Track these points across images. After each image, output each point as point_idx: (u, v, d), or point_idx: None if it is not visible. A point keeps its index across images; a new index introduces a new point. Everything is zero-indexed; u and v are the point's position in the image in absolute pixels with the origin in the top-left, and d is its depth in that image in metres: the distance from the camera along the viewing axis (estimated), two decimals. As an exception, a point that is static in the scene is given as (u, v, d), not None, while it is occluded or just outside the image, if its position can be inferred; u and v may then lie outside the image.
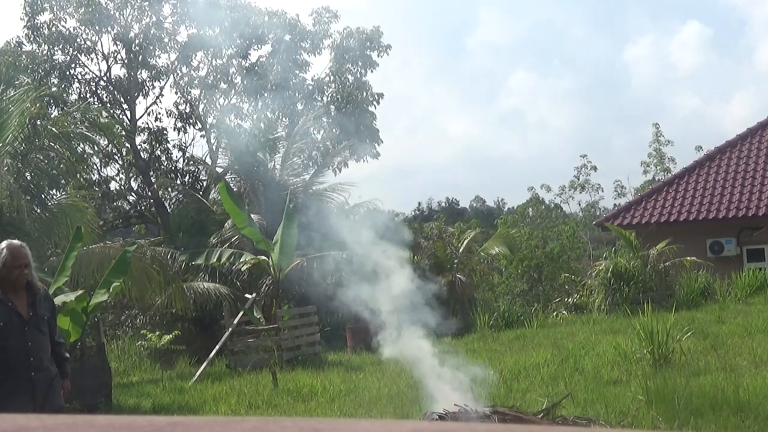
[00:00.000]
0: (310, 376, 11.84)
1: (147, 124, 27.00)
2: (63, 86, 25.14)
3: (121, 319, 19.31)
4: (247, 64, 27.16)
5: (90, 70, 26.67)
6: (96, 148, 19.78)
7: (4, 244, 5.63)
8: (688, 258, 18.76)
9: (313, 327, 15.47)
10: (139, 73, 26.54)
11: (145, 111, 26.91)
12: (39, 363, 5.58)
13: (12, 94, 12.91)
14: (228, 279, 18.56)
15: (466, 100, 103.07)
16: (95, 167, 24.71)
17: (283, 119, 26.76)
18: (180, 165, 27.07)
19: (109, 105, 26.40)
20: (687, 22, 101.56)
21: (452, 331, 13.79)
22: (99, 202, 23.08)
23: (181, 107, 26.84)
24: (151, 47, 26.26)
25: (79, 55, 26.31)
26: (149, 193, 26.44)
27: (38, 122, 14.95)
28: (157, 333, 14.48)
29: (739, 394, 7.78)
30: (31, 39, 25.95)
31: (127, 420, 0.95)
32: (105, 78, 26.69)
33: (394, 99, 67.92)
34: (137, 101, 26.82)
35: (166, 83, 26.97)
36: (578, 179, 38.26)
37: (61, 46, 25.95)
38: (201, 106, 26.83)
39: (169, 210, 25.30)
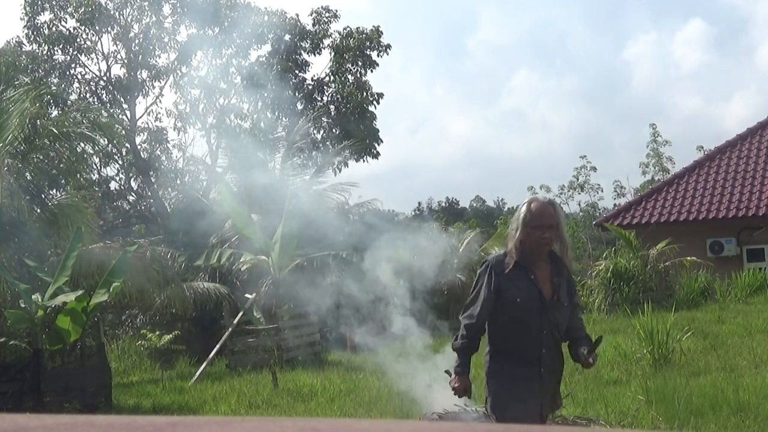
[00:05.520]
0: (310, 376, 11.84)
1: (147, 124, 27.03)
2: (63, 86, 25.14)
3: (121, 319, 19.30)
4: (247, 64, 27.17)
5: (90, 70, 26.70)
6: (96, 148, 19.79)
7: (528, 199, 4.51)
8: (688, 258, 18.76)
9: (313, 327, 15.47)
10: (139, 73, 26.54)
11: (145, 111, 26.93)
12: (549, 358, 4.49)
13: (12, 94, 12.89)
14: (228, 279, 18.56)
15: (465, 100, 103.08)
16: (95, 167, 24.73)
17: (283, 119, 26.76)
18: (180, 165, 27.09)
19: (109, 105, 26.40)
20: (689, 20, 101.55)
21: (452, 331, 13.78)
22: (99, 202, 23.08)
23: (181, 107, 26.86)
24: (151, 47, 26.26)
25: (79, 55, 26.32)
26: (149, 193, 26.43)
27: (38, 122, 14.95)
28: (157, 333, 14.47)
29: (739, 394, 7.78)
30: (31, 39, 25.96)
31: (127, 420, 0.95)
32: (105, 78, 26.69)
33: (394, 99, 67.96)
34: (137, 101, 26.83)
35: (166, 83, 26.98)
36: (577, 179, 38.29)
37: (61, 46, 25.95)
38: (201, 106, 26.84)
39: (169, 210, 25.29)
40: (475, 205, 68.27)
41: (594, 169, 38.49)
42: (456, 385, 4.59)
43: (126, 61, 26.45)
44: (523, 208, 4.43)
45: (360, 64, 27.84)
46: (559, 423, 6.26)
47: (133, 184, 27.21)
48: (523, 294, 4.39)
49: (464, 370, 4.60)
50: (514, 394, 4.43)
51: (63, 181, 16.26)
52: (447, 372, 4.68)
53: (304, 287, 14.83)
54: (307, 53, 28.03)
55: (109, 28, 26.12)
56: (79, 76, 26.50)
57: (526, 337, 4.41)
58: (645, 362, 10.01)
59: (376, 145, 27.84)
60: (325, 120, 27.04)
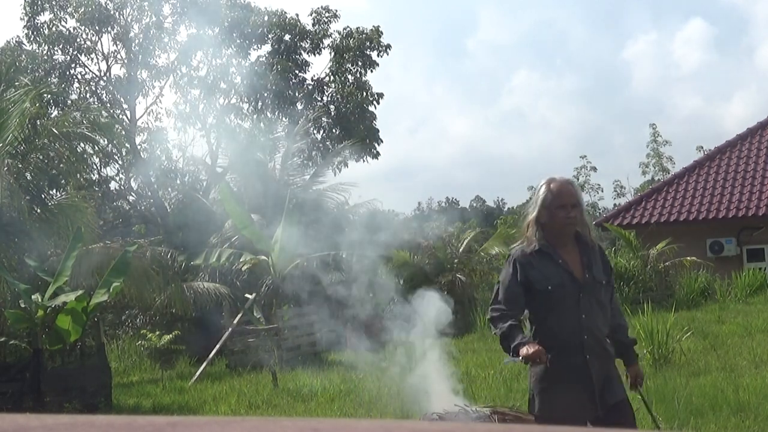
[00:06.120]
0: (310, 376, 11.84)
1: (147, 124, 27.02)
2: (63, 86, 25.13)
3: (121, 319, 19.30)
4: (247, 64, 27.17)
5: (90, 70, 26.68)
6: (96, 148, 19.78)
7: (545, 180, 4.25)
8: (688, 258, 18.77)
9: (313, 327, 15.47)
10: (139, 73, 26.53)
11: (145, 111, 26.93)
12: (594, 343, 4.15)
13: (12, 94, 12.89)
14: (228, 279, 18.56)
15: (465, 100, 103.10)
16: (95, 167, 24.72)
17: (283, 119, 26.76)
18: (180, 165, 27.08)
19: (109, 105, 26.39)
20: (689, 20, 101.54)
21: (452, 331, 13.78)
22: (99, 202, 23.07)
23: (181, 107, 26.84)
24: (151, 47, 26.26)
25: (79, 55, 26.31)
26: (149, 193, 26.43)
27: (38, 122, 14.95)
28: (157, 333, 14.48)
29: (739, 394, 7.78)
30: (31, 39, 25.96)
31: (127, 420, 0.95)
32: (105, 78, 26.68)
33: (394, 99, 67.97)
34: (137, 101, 26.82)
35: (166, 83, 26.97)
36: (578, 179, 38.31)
37: (61, 46, 25.95)
38: (201, 106, 26.83)
39: (169, 210, 25.29)
40: (475, 205, 68.30)
41: (594, 169, 38.58)
42: (530, 351, 3.95)
43: (126, 61, 26.45)
44: (543, 189, 4.17)
45: (360, 64, 27.83)
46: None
47: (133, 184, 27.19)
48: (554, 280, 4.11)
49: (527, 339, 4.06)
50: (560, 394, 4.11)
51: (63, 181, 16.24)
52: (510, 359, 4.09)
53: (304, 287, 14.84)
54: (307, 53, 28.03)
55: (109, 28, 26.11)
56: (79, 76, 26.49)
57: (565, 326, 4.10)
58: (645, 362, 10.01)
59: (376, 145, 27.84)
60: (325, 120, 27.04)
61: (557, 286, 4.11)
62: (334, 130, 27.30)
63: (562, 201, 4.13)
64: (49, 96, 22.71)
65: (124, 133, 25.14)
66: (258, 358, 14.11)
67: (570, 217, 4.14)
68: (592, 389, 4.12)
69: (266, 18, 27.26)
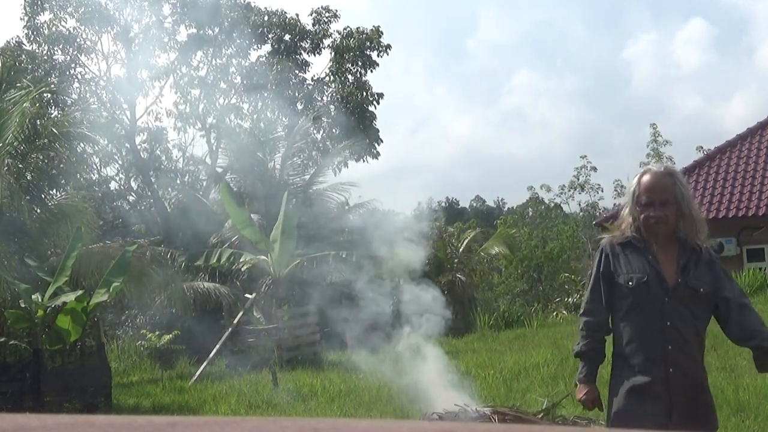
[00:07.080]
0: (310, 376, 11.85)
1: (147, 124, 27.02)
2: (63, 86, 25.13)
3: (121, 319, 19.31)
4: (247, 64, 27.18)
5: (90, 70, 26.69)
6: (96, 148, 19.79)
7: (642, 170, 3.73)
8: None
9: (312, 327, 15.48)
10: (139, 73, 26.54)
11: (145, 111, 26.93)
12: (681, 356, 3.61)
13: (13, 94, 12.90)
14: (228, 279, 18.56)
15: (466, 100, 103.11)
16: (95, 167, 24.72)
17: (283, 119, 26.77)
18: (180, 165, 27.08)
19: (109, 105, 26.39)
20: (689, 20, 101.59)
21: (452, 331, 13.79)
22: (99, 202, 23.07)
23: (181, 107, 26.84)
24: (151, 47, 26.26)
25: (79, 55, 26.31)
26: (149, 193, 26.43)
27: (38, 122, 14.96)
28: (157, 333, 14.48)
29: (739, 394, 7.78)
30: (31, 39, 25.96)
31: (127, 420, 0.95)
32: (105, 78, 26.69)
33: (394, 99, 67.91)
34: (137, 101, 26.82)
35: (166, 83, 26.97)
36: (578, 179, 38.30)
37: (61, 46, 25.95)
38: (201, 106, 26.83)
39: (169, 210, 25.29)
40: (475, 205, 68.30)
41: (594, 169, 38.43)
42: (582, 396, 3.86)
43: (126, 61, 26.45)
44: (634, 181, 3.69)
45: (360, 64, 27.84)
46: (559, 423, 6.25)
47: (133, 184, 27.20)
48: (638, 275, 3.61)
49: (588, 378, 3.83)
50: (633, 406, 3.63)
51: (63, 181, 16.25)
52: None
53: (304, 287, 14.84)
54: (307, 53, 28.05)
55: (109, 28, 26.11)
56: (79, 76, 26.50)
57: (646, 331, 3.60)
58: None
59: (376, 145, 27.84)
60: (325, 120, 27.04)
61: (641, 283, 3.62)
62: (334, 130, 27.30)
63: (649, 197, 3.62)
64: (49, 96, 22.71)
65: (124, 133, 25.14)
66: (258, 358, 14.11)
67: (652, 217, 3.62)
68: (669, 408, 3.57)
69: (266, 18, 27.27)
